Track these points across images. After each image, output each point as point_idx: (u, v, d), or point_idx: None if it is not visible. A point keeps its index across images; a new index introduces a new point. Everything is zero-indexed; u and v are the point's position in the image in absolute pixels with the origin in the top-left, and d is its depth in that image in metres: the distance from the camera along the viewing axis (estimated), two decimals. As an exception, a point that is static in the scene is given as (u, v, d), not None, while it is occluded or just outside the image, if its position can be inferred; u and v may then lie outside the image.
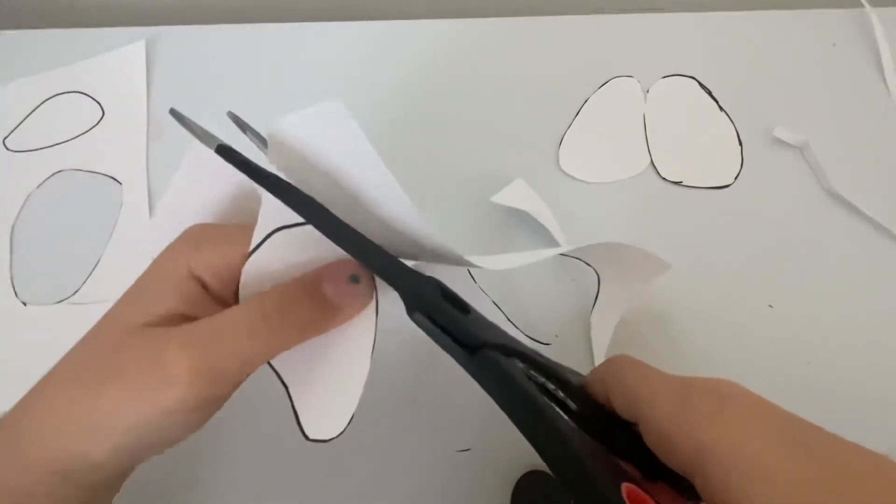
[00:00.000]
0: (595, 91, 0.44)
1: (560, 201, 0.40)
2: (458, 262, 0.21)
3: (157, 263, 0.20)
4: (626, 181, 0.41)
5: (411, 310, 0.19)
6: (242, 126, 0.25)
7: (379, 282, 0.21)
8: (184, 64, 0.45)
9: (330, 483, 0.32)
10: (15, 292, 0.37)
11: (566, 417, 0.19)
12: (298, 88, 0.44)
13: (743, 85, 0.44)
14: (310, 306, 0.19)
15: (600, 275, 0.34)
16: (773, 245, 0.39)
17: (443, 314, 0.19)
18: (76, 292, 0.37)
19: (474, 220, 0.40)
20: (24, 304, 0.37)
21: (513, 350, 0.20)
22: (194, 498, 0.32)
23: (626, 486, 0.16)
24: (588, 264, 0.33)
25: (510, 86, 0.45)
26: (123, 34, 0.46)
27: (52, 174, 0.41)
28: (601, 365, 0.21)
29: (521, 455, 0.33)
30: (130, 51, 0.45)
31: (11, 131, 0.42)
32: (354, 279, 0.20)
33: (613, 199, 0.40)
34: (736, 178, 0.41)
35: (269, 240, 0.19)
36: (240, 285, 0.20)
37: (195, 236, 0.21)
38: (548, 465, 0.16)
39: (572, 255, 0.29)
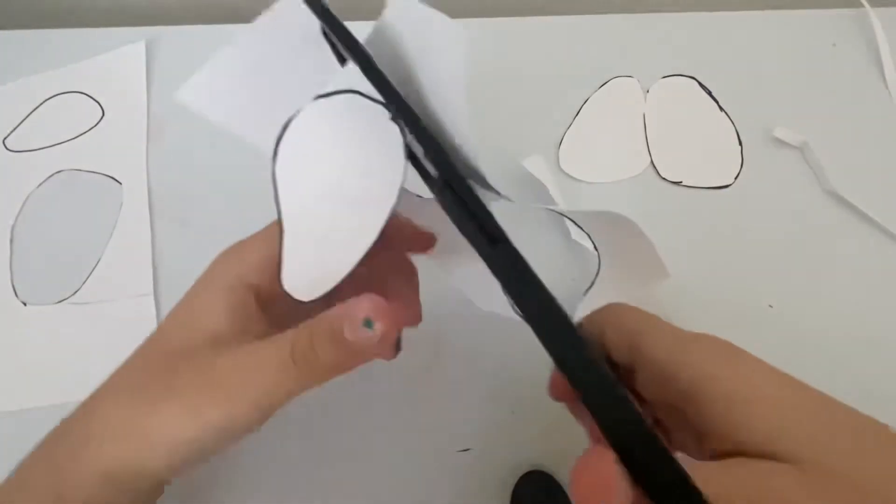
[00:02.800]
0: (595, 91, 0.44)
1: (560, 201, 0.40)
2: (483, 183, 0.21)
3: (205, 277, 0.22)
4: (626, 181, 0.41)
5: (441, 187, 0.19)
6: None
7: None
8: (184, 64, 0.45)
9: (330, 483, 0.32)
10: (15, 292, 0.37)
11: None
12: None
13: (743, 85, 0.44)
14: (333, 350, 0.20)
15: (601, 260, 0.33)
16: (773, 245, 0.39)
17: (473, 198, 0.18)
18: (76, 292, 0.37)
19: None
20: (24, 304, 0.37)
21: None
22: (191, 494, 0.32)
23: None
24: (594, 246, 0.33)
25: (510, 85, 0.45)
26: (123, 34, 0.46)
27: (52, 174, 0.41)
28: (599, 309, 0.22)
29: (521, 455, 0.33)
30: (130, 51, 0.45)
31: (11, 131, 0.42)
32: (367, 324, 0.20)
33: (613, 199, 0.40)
34: (736, 178, 0.41)
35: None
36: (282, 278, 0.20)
37: (233, 248, 0.22)
38: (560, 366, 0.16)
39: (581, 221, 0.28)
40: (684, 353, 0.18)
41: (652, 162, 0.42)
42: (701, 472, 0.14)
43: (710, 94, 0.44)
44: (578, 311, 0.28)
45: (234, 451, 0.32)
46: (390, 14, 0.20)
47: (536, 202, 0.39)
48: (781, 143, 0.42)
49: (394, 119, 0.20)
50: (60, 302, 0.37)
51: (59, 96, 0.44)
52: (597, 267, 0.31)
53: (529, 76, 0.45)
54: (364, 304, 0.20)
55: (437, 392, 0.34)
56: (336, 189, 0.21)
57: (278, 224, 0.20)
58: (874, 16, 0.46)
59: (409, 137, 0.20)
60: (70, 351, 0.35)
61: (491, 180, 0.21)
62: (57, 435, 0.21)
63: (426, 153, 0.19)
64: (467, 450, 0.33)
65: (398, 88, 0.20)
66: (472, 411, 0.34)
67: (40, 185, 0.41)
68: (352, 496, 0.32)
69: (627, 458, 0.14)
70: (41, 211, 0.40)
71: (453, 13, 0.48)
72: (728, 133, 0.43)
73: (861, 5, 0.46)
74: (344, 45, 0.19)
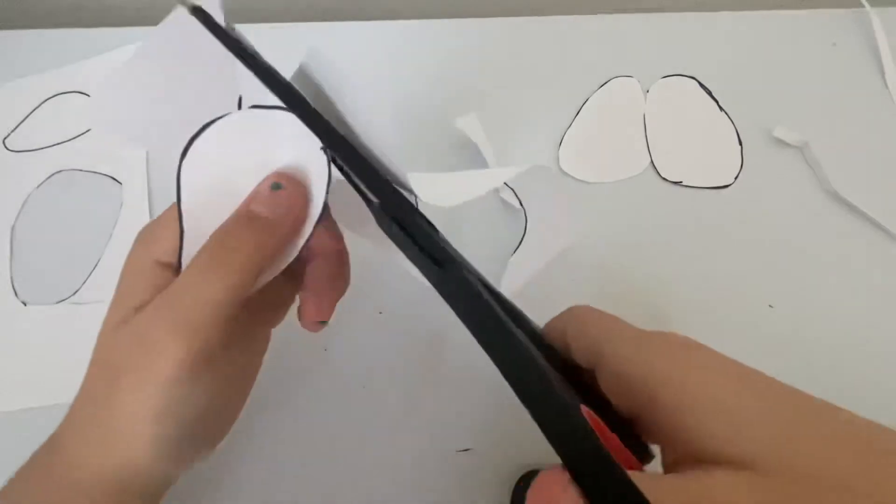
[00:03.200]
0: (595, 91, 0.44)
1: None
2: (400, 181, 0.21)
3: (125, 265, 0.21)
4: (626, 181, 0.41)
5: (386, 222, 0.19)
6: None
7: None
8: (184, 64, 0.45)
9: (329, 483, 0.32)
10: (15, 292, 0.37)
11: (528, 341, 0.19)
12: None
13: (743, 85, 0.44)
14: (246, 231, 0.19)
15: (527, 218, 0.34)
16: (773, 245, 0.39)
17: (416, 225, 0.19)
18: (76, 292, 0.37)
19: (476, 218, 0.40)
20: (24, 304, 0.37)
21: (479, 280, 0.20)
22: (190, 495, 0.32)
23: (584, 408, 0.16)
24: (521, 204, 0.33)
25: (510, 85, 0.45)
26: (123, 34, 0.46)
27: (52, 174, 0.41)
28: (562, 313, 0.21)
29: (521, 455, 0.33)
30: (130, 51, 0.45)
31: (11, 131, 0.42)
32: (276, 186, 0.20)
33: (613, 199, 0.40)
34: (736, 178, 0.41)
35: (188, 181, 0.20)
36: (183, 247, 0.20)
37: (150, 228, 0.21)
38: (511, 383, 0.16)
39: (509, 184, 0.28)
40: (640, 356, 0.17)
41: (652, 162, 0.42)
42: (656, 489, 0.13)
43: (710, 94, 0.44)
44: (507, 274, 0.27)
45: (232, 452, 0.32)
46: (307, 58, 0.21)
47: (470, 166, 0.38)
48: (781, 143, 0.42)
49: (323, 149, 0.20)
50: (60, 302, 0.37)
51: (59, 96, 0.44)
52: (524, 223, 0.31)
53: (529, 76, 0.45)
54: (267, 176, 0.20)
55: (437, 392, 0.34)
56: (238, 189, 0.21)
57: (178, 212, 0.20)
58: (874, 16, 0.46)
59: (344, 164, 0.20)
60: (70, 351, 0.35)
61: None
62: (46, 450, 0.20)
63: (363, 182, 0.19)
64: (467, 450, 0.33)
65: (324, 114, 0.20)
66: (472, 411, 0.34)
67: (40, 185, 0.40)
68: (352, 496, 0.32)
69: (581, 477, 0.14)
70: (41, 211, 0.40)
71: (454, 13, 0.48)
72: (728, 133, 0.43)
73: (861, 5, 0.46)
74: (265, 80, 0.19)
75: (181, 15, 0.20)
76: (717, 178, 0.41)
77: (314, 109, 0.19)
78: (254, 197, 0.20)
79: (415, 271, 0.19)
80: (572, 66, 0.45)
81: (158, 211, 0.39)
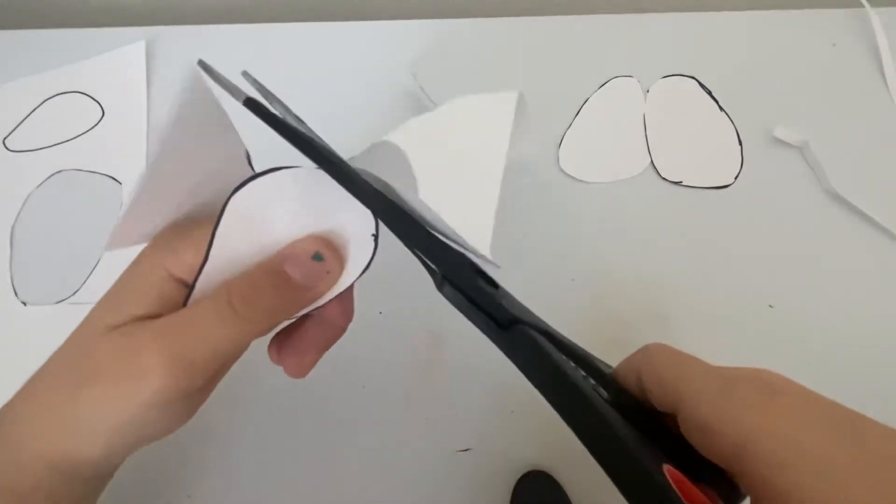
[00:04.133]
0: (595, 91, 0.44)
1: (560, 201, 0.40)
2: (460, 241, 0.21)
3: (135, 266, 0.20)
4: (626, 181, 0.41)
5: (441, 284, 0.19)
6: (262, 89, 0.24)
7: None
8: (184, 64, 0.45)
9: (329, 482, 0.32)
10: (15, 292, 0.37)
11: (602, 397, 0.18)
12: (299, 88, 0.44)
13: (743, 85, 0.44)
14: (274, 290, 0.19)
15: None
16: (773, 245, 0.39)
17: (474, 288, 0.18)
18: (76, 292, 0.37)
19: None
20: (24, 304, 0.37)
21: (544, 331, 0.19)
22: (189, 495, 0.32)
23: (667, 468, 0.15)
24: None
25: (510, 86, 0.45)
26: (123, 34, 0.46)
27: (52, 174, 0.41)
28: (634, 353, 0.20)
29: (521, 455, 0.33)
30: (130, 51, 0.45)
31: (11, 131, 0.42)
32: (318, 257, 0.19)
33: (613, 199, 0.40)
34: (736, 178, 0.41)
35: (230, 218, 0.19)
36: (202, 273, 0.19)
37: (169, 239, 0.20)
38: (586, 444, 0.16)
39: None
40: (724, 404, 0.15)
41: (652, 162, 0.42)
42: None
43: (710, 94, 0.44)
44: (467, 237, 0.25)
45: (231, 452, 0.33)
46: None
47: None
48: (781, 143, 0.42)
49: (374, 236, 0.20)
50: (60, 302, 0.37)
51: (59, 96, 0.44)
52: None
53: (529, 76, 0.45)
54: (310, 240, 0.20)
55: (437, 392, 0.34)
56: (277, 235, 0.20)
57: (211, 236, 0.19)
58: (874, 16, 0.45)
59: (404, 238, 0.20)
60: (70, 351, 0.35)
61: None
62: None
63: (421, 251, 0.19)
64: (467, 450, 0.33)
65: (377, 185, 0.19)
66: (472, 411, 0.34)
67: (40, 185, 0.41)
68: (352, 496, 0.32)
69: None
70: (41, 211, 0.40)
71: (454, 13, 0.48)
72: (728, 133, 0.43)
73: (861, 5, 0.46)
74: (320, 162, 0.19)
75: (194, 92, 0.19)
76: (717, 178, 0.41)
77: (374, 189, 0.19)
78: (292, 258, 0.19)
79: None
80: (572, 66, 0.45)
81: (158, 211, 0.40)
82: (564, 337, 0.20)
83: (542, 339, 0.18)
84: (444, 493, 0.32)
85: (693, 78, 0.45)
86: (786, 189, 0.41)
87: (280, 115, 0.19)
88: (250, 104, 0.19)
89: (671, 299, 0.37)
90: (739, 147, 0.42)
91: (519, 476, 0.32)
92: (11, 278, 0.38)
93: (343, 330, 0.23)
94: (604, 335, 0.36)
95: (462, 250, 0.20)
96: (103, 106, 0.43)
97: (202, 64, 0.21)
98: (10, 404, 0.20)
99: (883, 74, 0.44)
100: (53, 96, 0.44)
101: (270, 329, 0.20)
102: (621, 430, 0.16)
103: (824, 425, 0.15)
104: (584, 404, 0.16)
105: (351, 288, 0.21)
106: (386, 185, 0.20)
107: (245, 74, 0.25)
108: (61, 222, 0.39)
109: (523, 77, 0.45)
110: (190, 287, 0.20)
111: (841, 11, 0.47)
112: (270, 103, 0.24)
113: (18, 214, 0.40)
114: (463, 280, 0.19)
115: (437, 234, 0.20)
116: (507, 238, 0.39)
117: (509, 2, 0.53)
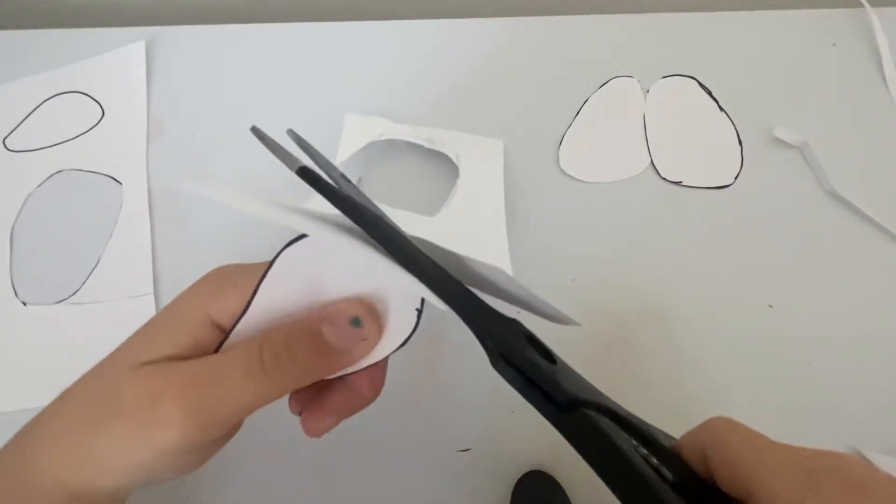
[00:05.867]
0: (595, 91, 0.44)
1: (560, 201, 0.40)
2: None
3: (176, 304, 0.20)
4: (626, 181, 0.41)
5: (496, 360, 0.18)
6: (305, 147, 0.24)
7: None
8: (184, 64, 0.45)
9: (330, 483, 0.32)
10: (15, 292, 0.37)
11: (673, 492, 0.17)
12: (298, 88, 0.44)
13: (743, 85, 0.44)
14: (308, 352, 0.19)
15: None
16: (773, 245, 0.39)
17: (530, 364, 0.18)
18: (76, 292, 0.37)
19: (474, 220, 0.40)
20: (24, 304, 0.37)
21: (605, 408, 0.18)
22: (189, 496, 0.32)
23: None
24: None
25: (510, 85, 0.45)
26: (123, 34, 0.46)
27: (52, 174, 0.41)
28: (698, 428, 0.19)
29: (521, 455, 0.33)
30: (130, 51, 0.45)
31: (11, 131, 0.42)
32: (356, 322, 0.19)
33: (613, 199, 0.40)
34: (736, 178, 0.41)
35: (278, 272, 0.19)
36: (240, 322, 0.19)
37: (218, 279, 0.20)
38: None
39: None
40: (804, 496, 0.14)
41: (652, 162, 0.42)
42: None
43: (710, 94, 0.44)
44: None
45: (231, 452, 0.32)
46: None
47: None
48: (781, 143, 0.42)
49: (418, 311, 0.20)
50: (60, 302, 0.37)
51: (59, 96, 0.44)
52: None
53: (529, 76, 0.45)
54: (350, 304, 0.19)
55: (437, 392, 0.34)
56: (323, 291, 0.20)
57: (256, 286, 0.19)
58: (874, 16, 0.46)
59: (458, 311, 0.19)
60: (70, 351, 0.35)
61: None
62: (14, 447, 0.20)
63: (473, 319, 0.19)
64: (467, 450, 0.33)
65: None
66: (472, 411, 0.34)
67: (40, 185, 0.41)
68: (352, 496, 0.32)
69: None
70: (41, 211, 0.40)
71: (454, 13, 0.48)
72: (728, 133, 0.43)
73: (861, 5, 0.46)
74: (336, 202, 0.19)
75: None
76: (717, 178, 0.41)
77: (428, 259, 0.19)
78: (330, 319, 0.19)
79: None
80: (572, 66, 0.45)
81: (158, 211, 0.40)
82: (623, 410, 0.19)
83: (605, 423, 0.17)
84: (444, 493, 0.32)
85: (693, 78, 0.45)
86: (786, 189, 0.41)
87: (333, 183, 0.19)
88: (304, 173, 0.18)
89: (671, 299, 0.37)
90: (739, 147, 0.42)
91: (519, 476, 0.32)
92: (11, 278, 0.38)
93: (369, 402, 0.22)
94: (604, 335, 0.36)
95: (516, 315, 0.19)
96: (103, 106, 0.43)
97: (255, 130, 0.21)
98: (30, 427, 0.20)
99: (883, 74, 0.44)
100: (53, 96, 0.44)
101: (297, 388, 0.19)
102: None
103: None
104: (651, 499, 0.15)
105: (385, 360, 0.21)
106: (437, 252, 0.19)
107: (290, 132, 0.25)
108: (61, 222, 0.39)
109: (523, 77, 0.45)
110: (226, 334, 0.19)
111: (841, 11, 0.47)
112: (314, 159, 0.24)
113: (18, 214, 0.40)
114: (517, 354, 0.18)
115: (493, 296, 0.19)
116: (508, 238, 0.39)
117: (509, 2, 0.53)
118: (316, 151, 0.24)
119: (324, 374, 0.20)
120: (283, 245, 0.19)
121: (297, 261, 0.19)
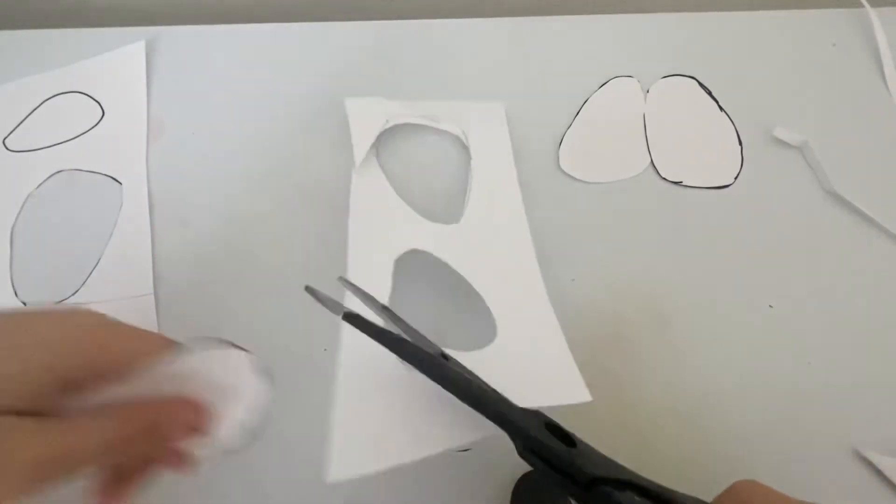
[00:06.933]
0: (595, 91, 0.44)
1: (560, 201, 0.40)
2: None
3: (22, 350, 0.19)
4: (626, 181, 0.41)
5: (523, 451, 0.21)
6: (353, 289, 0.28)
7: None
8: (184, 64, 0.45)
9: (329, 483, 0.32)
10: (15, 292, 0.37)
11: None
12: (298, 88, 0.44)
13: (743, 85, 0.44)
14: (144, 437, 0.20)
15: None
16: (773, 245, 0.39)
17: (552, 451, 0.20)
18: (76, 292, 0.37)
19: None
20: (24, 304, 0.37)
21: (627, 482, 0.20)
22: (188, 494, 0.32)
23: None
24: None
25: (510, 85, 0.45)
26: (123, 34, 0.46)
27: (52, 174, 0.41)
28: (724, 493, 0.20)
29: (521, 455, 0.33)
30: (130, 51, 0.45)
31: (11, 131, 0.42)
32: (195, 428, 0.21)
33: (613, 199, 0.40)
34: (736, 178, 0.41)
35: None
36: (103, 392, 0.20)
37: (21, 330, 0.19)
38: None
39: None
40: None
41: (652, 162, 0.42)
42: None
43: (710, 94, 0.44)
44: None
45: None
46: None
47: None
48: (781, 143, 0.42)
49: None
50: (60, 302, 0.37)
51: (59, 96, 0.44)
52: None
53: (529, 76, 0.45)
54: (194, 407, 0.21)
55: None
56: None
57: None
58: (874, 16, 0.46)
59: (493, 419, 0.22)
60: (70, 351, 0.35)
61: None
62: None
63: (508, 432, 0.22)
64: (467, 450, 0.33)
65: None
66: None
67: (40, 185, 0.40)
68: (352, 496, 0.32)
69: None
70: (41, 211, 0.40)
71: (454, 13, 0.48)
72: (728, 133, 0.43)
73: (861, 5, 0.46)
74: (383, 341, 0.23)
75: None
76: (717, 178, 0.41)
77: (465, 379, 0.22)
78: (172, 418, 0.20)
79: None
80: (572, 66, 0.45)
81: (158, 211, 0.40)
82: (646, 480, 0.20)
83: (627, 497, 0.18)
84: (445, 493, 0.32)
85: (693, 78, 0.45)
86: (786, 189, 0.41)
87: (379, 324, 0.23)
88: (349, 318, 0.22)
89: (671, 299, 0.37)
90: (739, 147, 0.42)
91: (519, 476, 0.32)
92: (11, 278, 0.38)
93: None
94: (604, 335, 0.36)
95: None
96: (103, 106, 0.43)
97: (309, 289, 0.24)
98: None
99: (883, 74, 0.44)
100: (53, 96, 0.44)
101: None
102: None
103: None
104: None
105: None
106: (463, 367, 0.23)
107: (342, 280, 0.28)
108: (61, 222, 0.39)
109: (523, 77, 0.45)
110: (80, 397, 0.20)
111: (841, 11, 0.47)
112: (361, 297, 0.27)
113: (18, 214, 0.40)
114: (541, 446, 0.20)
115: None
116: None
117: (509, 2, 0.53)
118: (361, 291, 0.27)
119: (131, 452, 0.20)
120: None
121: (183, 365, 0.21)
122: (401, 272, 0.34)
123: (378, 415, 0.27)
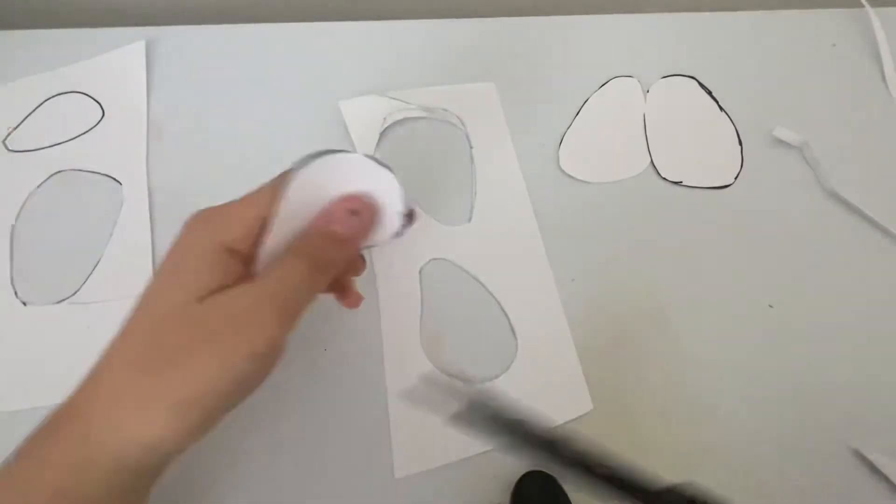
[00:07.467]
0: (595, 91, 0.44)
1: (560, 201, 0.40)
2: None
3: (183, 246, 0.23)
4: (626, 181, 0.41)
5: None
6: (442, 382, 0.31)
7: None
8: (184, 64, 0.45)
9: (329, 482, 0.32)
10: (15, 292, 0.37)
11: None
12: (298, 88, 0.44)
13: (743, 85, 0.44)
14: (332, 245, 0.24)
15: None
16: (773, 245, 0.39)
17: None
18: (76, 292, 0.37)
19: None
20: (24, 304, 0.37)
21: None
22: (188, 493, 0.32)
23: None
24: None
25: (510, 85, 0.45)
26: (123, 34, 0.46)
27: (52, 174, 0.41)
28: None
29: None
30: (130, 51, 0.45)
31: (11, 131, 0.42)
32: (354, 213, 0.24)
33: (613, 199, 0.40)
34: (736, 178, 0.41)
35: (294, 193, 0.24)
36: (269, 239, 0.23)
37: (208, 218, 0.23)
38: None
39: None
40: None
41: (652, 162, 0.42)
42: None
43: (710, 94, 0.44)
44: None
45: (230, 451, 0.33)
46: None
47: None
48: (781, 143, 0.42)
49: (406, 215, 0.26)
50: (60, 302, 0.37)
51: (59, 96, 0.44)
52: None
53: (529, 76, 0.45)
54: (345, 201, 0.24)
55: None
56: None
57: (277, 208, 0.23)
58: (874, 16, 0.46)
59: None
60: (70, 351, 0.35)
61: None
62: (50, 430, 0.21)
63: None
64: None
65: None
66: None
67: (40, 185, 0.40)
68: (352, 496, 0.32)
69: None
70: (41, 211, 0.40)
71: (454, 12, 0.48)
72: (728, 133, 0.43)
73: (861, 5, 0.46)
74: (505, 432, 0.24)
75: None
76: (717, 178, 0.41)
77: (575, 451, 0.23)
78: (333, 217, 0.24)
79: None
80: (572, 66, 0.45)
81: (158, 211, 0.40)
82: None
83: None
84: (445, 493, 0.32)
85: (693, 78, 0.45)
86: (786, 189, 0.41)
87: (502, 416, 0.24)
88: (474, 407, 0.23)
89: (671, 299, 0.37)
90: (739, 147, 0.42)
91: (519, 476, 0.32)
92: (11, 278, 0.37)
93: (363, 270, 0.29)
94: (604, 335, 0.36)
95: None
96: (103, 106, 0.43)
97: (426, 379, 0.28)
98: (84, 389, 0.21)
99: (883, 74, 0.45)
100: (53, 96, 0.44)
101: (335, 276, 0.24)
102: None
103: None
104: None
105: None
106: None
107: (422, 378, 0.31)
108: (61, 222, 0.39)
109: (523, 77, 0.45)
110: (252, 253, 0.23)
111: (841, 11, 0.47)
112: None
113: (18, 214, 0.40)
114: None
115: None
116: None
117: (509, 2, 0.53)
118: (448, 385, 0.31)
119: (347, 257, 0.25)
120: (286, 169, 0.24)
121: (306, 182, 0.24)
122: (426, 284, 0.36)
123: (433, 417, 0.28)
